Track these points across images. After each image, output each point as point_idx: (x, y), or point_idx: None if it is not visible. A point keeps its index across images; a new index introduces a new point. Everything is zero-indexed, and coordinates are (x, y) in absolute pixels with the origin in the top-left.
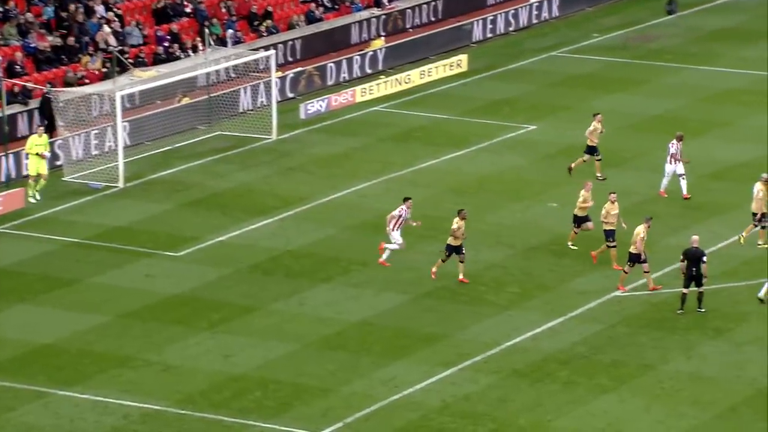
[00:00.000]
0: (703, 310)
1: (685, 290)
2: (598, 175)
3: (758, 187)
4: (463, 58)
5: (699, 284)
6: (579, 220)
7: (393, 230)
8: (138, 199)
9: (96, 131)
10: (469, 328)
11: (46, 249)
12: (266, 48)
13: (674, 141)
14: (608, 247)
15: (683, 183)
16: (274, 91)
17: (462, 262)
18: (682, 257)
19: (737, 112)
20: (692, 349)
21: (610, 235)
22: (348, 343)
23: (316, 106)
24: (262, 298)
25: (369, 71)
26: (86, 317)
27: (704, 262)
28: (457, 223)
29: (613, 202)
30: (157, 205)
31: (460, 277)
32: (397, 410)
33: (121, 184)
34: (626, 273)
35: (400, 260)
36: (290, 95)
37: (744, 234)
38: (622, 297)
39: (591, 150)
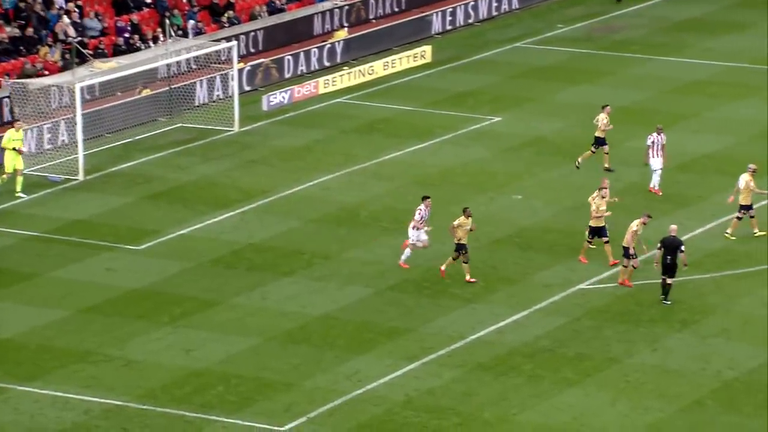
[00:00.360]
0: (668, 302)
1: (664, 276)
2: (606, 165)
3: (745, 178)
4: (427, 49)
5: (671, 275)
6: None
7: (418, 230)
8: (98, 192)
9: (55, 123)
10: (433, 321)
11: (5, 243)
12: (228, 39)
13: (653, 134)
14: (590, 244)
15: (657, 177)
16: (236, 83)
17: (465, 262)
18: (659, 245)
19: (704, 104)
20: (657, 341)
21: (595, 231)
22: (311, 337)
23: (278, 97)
24: (224, 292)
25: (332, 62)
26: (46, 312)
27: (682, 251)
28: (460, 221)
29: (603, 198)
30: (117, 198)
31: (467, 277)
32: (361, 405)
33: (81, 177)
34: (634, 267)
35: (363, 254)
36: (247, 88)
37: (756, 230)
38: (587, 290)
39: (599, 142)
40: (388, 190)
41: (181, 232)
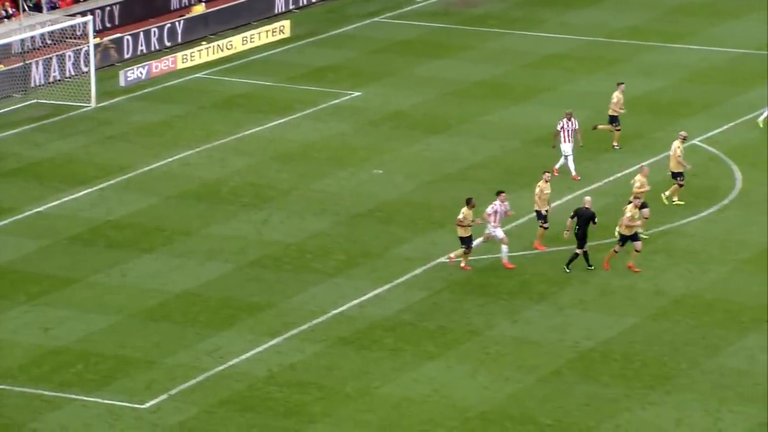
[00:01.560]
0: (591, 267)
1: (578, 250)
2: (615, 144)
3: (675, 144)
4: (286, 24)
5: (581, 245)
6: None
7: (494, 227)
8: None
9: None
10: (295, 296)
11: None
12: (83, 14)
13: (563, 119)
14: (541, 227)
15: (571, 163)
16: (92, 58)
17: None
18: (572, 214)
19: (560, 77)
20: (517, 313)
21: (541, 215)
22: (172, 314)
23: (136, 73)
24: (82, 270)
25: (190, 37)
26: None
27: (595, 223)
28: (463, 213)
29: (546, 182)
30: None
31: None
32: (223, 381)
33: None
34: (616, 252)
35: (224, 230)
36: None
37: (667, 193)
38: (447, 263)
39: (612, 120)
40: (249, 166)
41: (38, 209)
